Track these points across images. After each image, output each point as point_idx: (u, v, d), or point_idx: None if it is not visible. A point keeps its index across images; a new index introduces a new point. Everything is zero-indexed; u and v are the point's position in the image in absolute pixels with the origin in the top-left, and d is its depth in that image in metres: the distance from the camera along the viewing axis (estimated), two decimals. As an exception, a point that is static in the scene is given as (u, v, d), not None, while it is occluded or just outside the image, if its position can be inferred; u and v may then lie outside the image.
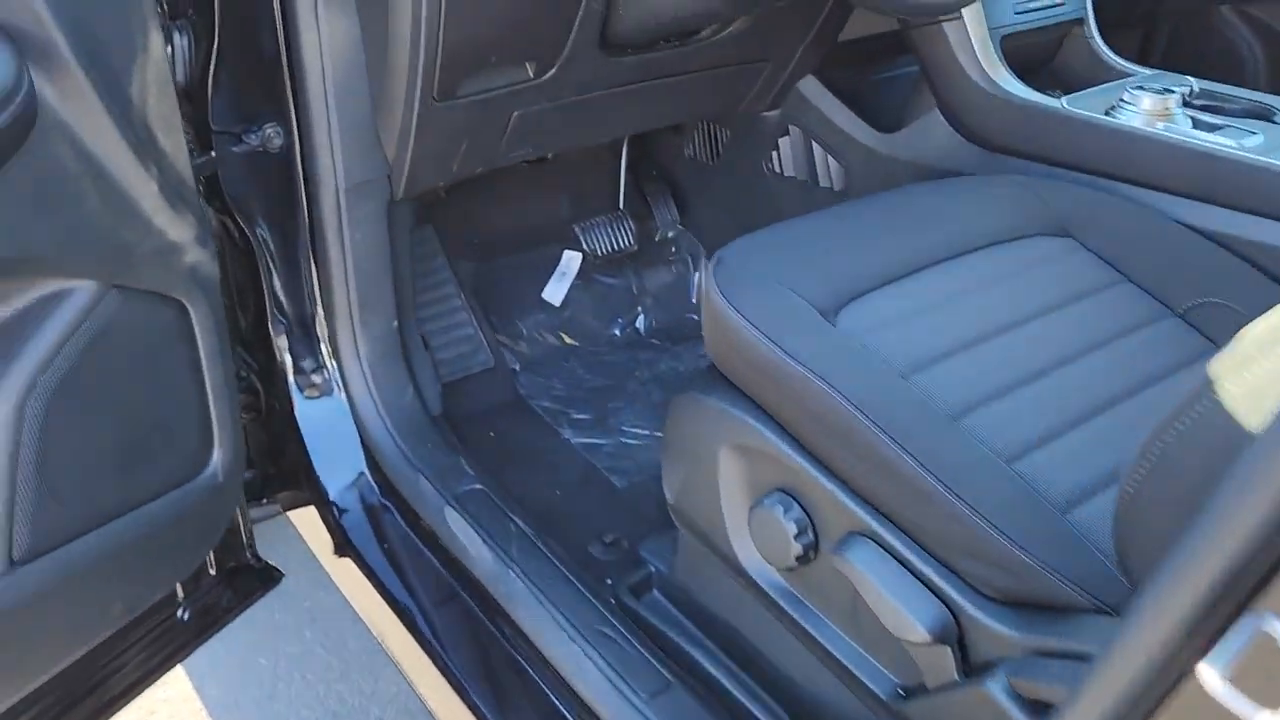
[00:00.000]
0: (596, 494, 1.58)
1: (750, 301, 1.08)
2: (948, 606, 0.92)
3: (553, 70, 1.37)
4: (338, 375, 1.43)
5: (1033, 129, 1.44)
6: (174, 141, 1.03)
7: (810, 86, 1.69)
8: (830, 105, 1.67)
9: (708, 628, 1.26)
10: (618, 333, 1.93)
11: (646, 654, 1.23)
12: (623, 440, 1.69)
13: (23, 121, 0.87)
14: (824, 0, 1.52)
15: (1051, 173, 1.42)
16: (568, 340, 1.89)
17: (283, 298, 1.39)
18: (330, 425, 1.43)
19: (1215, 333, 1.17)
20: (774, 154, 1.79)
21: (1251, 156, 1.27)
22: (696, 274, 2.00)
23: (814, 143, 1.72)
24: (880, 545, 0.97)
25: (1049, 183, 1.35)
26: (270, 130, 1.30)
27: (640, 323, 1.95)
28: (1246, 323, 0.62)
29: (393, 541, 1.41)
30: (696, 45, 1.50)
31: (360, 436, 1.43)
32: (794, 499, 1.05)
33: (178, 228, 1.04)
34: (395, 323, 1.47)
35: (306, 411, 1.42)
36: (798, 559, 1.05)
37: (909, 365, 1.04)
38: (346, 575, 1.49)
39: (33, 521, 0.98)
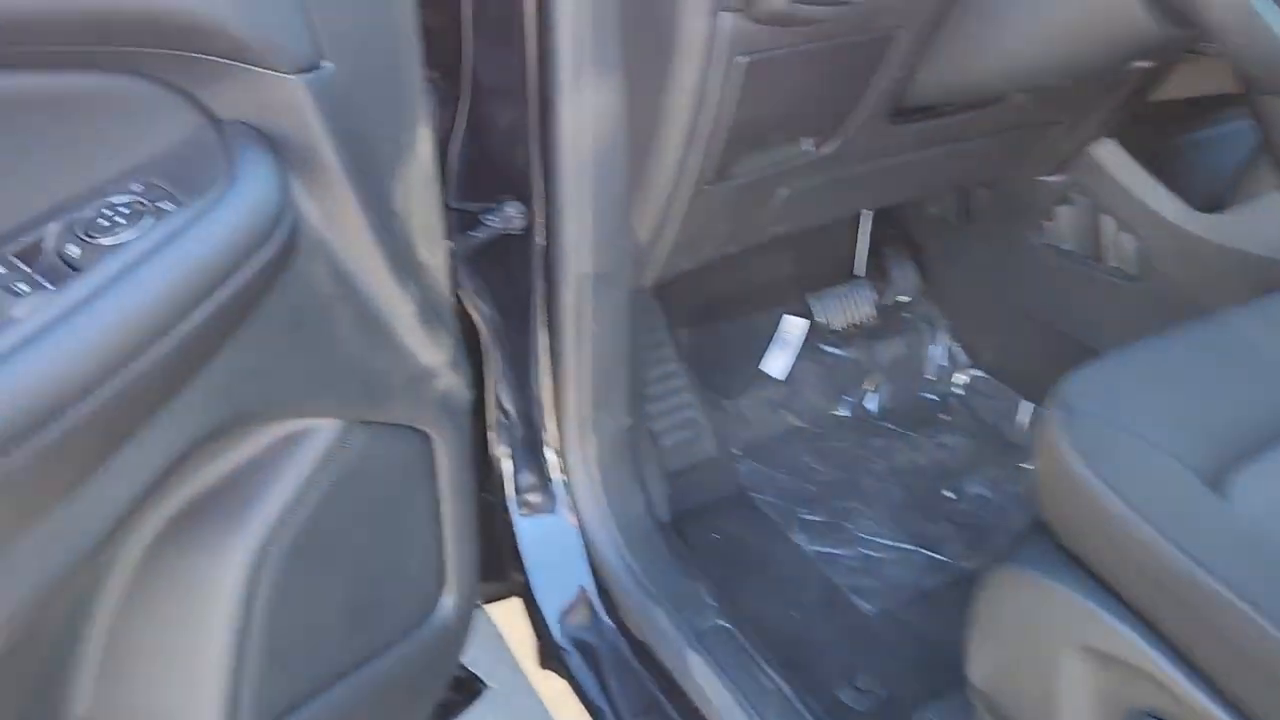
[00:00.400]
0: (842, 621, 1.37)
1: (1117, 467, 0.86)
2: None
3: (833, 143, 1.16)
4: (562, 484, 1.26)
5: None
6: (435, 252, 0.86)
7: (1105, 150, 1.44)
8: (1130, 173, 1.42)
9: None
10: (846, 413, 1.72)
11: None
12: (863, 551, 1.47)
13: (286, 249, 0.71)
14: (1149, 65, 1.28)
15: None
16: (791, 420, 1.69)
17: (508, 401, 1.22)
18: (552, 540, 1.26)
19: None
20: (1046, 223, 1.54)
21: None
22: (933, 347, 1.77)
23: (1103, 215, 1.47)
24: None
25: None
26: (512, 210, 1.13)
27: (870, 401, 1.73)
28: None
29: (614, 669, 1.23)
30: (990, 109, 1.28)
31: (586, 552, 1.26)
32: (1178, 732, 0.83)
33: (432, 351, 0.88)
34: (629, 421, 1.29)
35: (527, 527, 1.25)
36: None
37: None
38: (550, 686, 1.33)
39: (258, 698, 0.83)
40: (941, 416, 1.71)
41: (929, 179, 1.41)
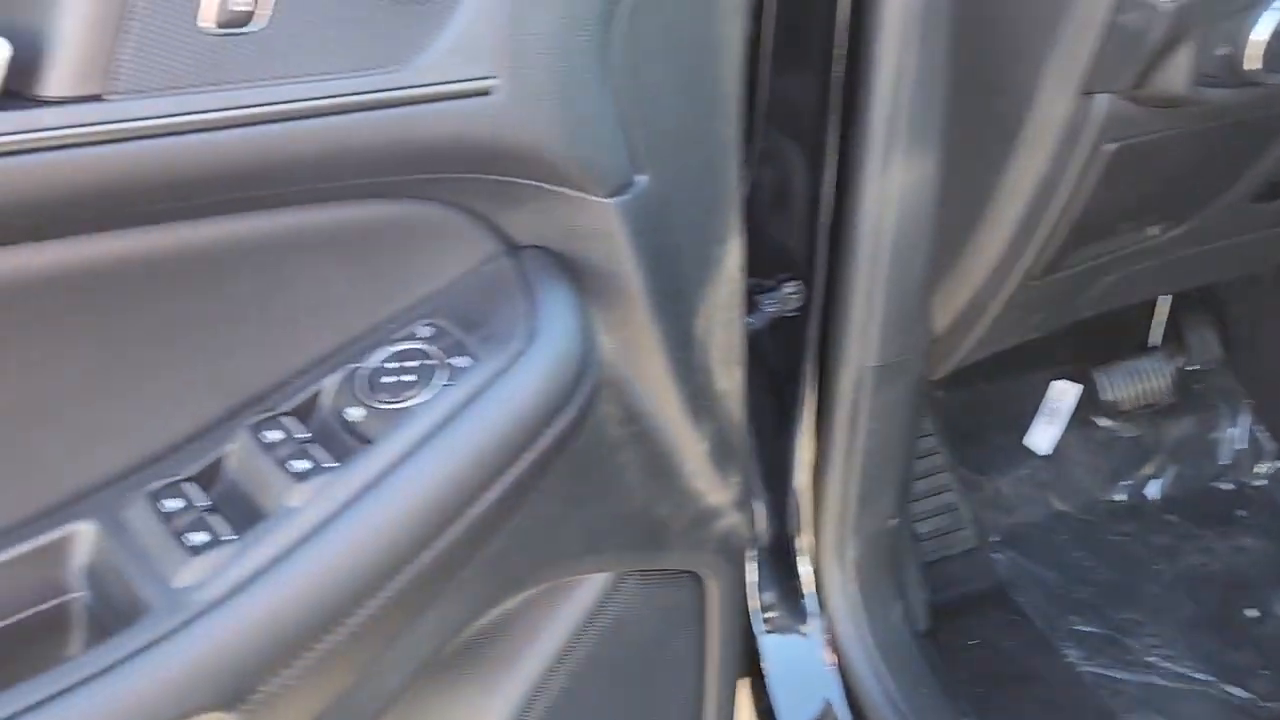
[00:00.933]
0: (1130, 768, 1.18)
1: None
2: None
3: (1181, 228, 0.96)
4: (813, 593, 1.12)
5: None
6: (733, 379, 0.73)
7: None
8: None
9: None
10: (1122, 498, 1.50)
11: None
12: (1149, 680, 1.27)
13: (588, 406, 0.59)
14: None
15: None
16: (1056, 504, 1.49)
17: (758, 499, 1.08)
18: (799, 657, 1.12)
19: None
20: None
21: None
22: (1232, 428, 1.53)
23: None
24: None
25: None
26: (790, 289, 0.99)
27: (1152, 488, 1.51)
28: None
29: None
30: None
31: (839, 672, 1.11)
32: None
33: (719, 491, 0.75)
34: (895, 520, 1.13)
35: (772, 645, 1.11)
36: None
37: None
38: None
39: None
40: (1238, 513, 1.47)
41: (1272, 252, 1.18)
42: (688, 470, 0.72)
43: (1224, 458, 1.52)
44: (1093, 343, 1.51)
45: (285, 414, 0.54)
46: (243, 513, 0.50)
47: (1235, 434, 1.52)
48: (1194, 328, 1.52)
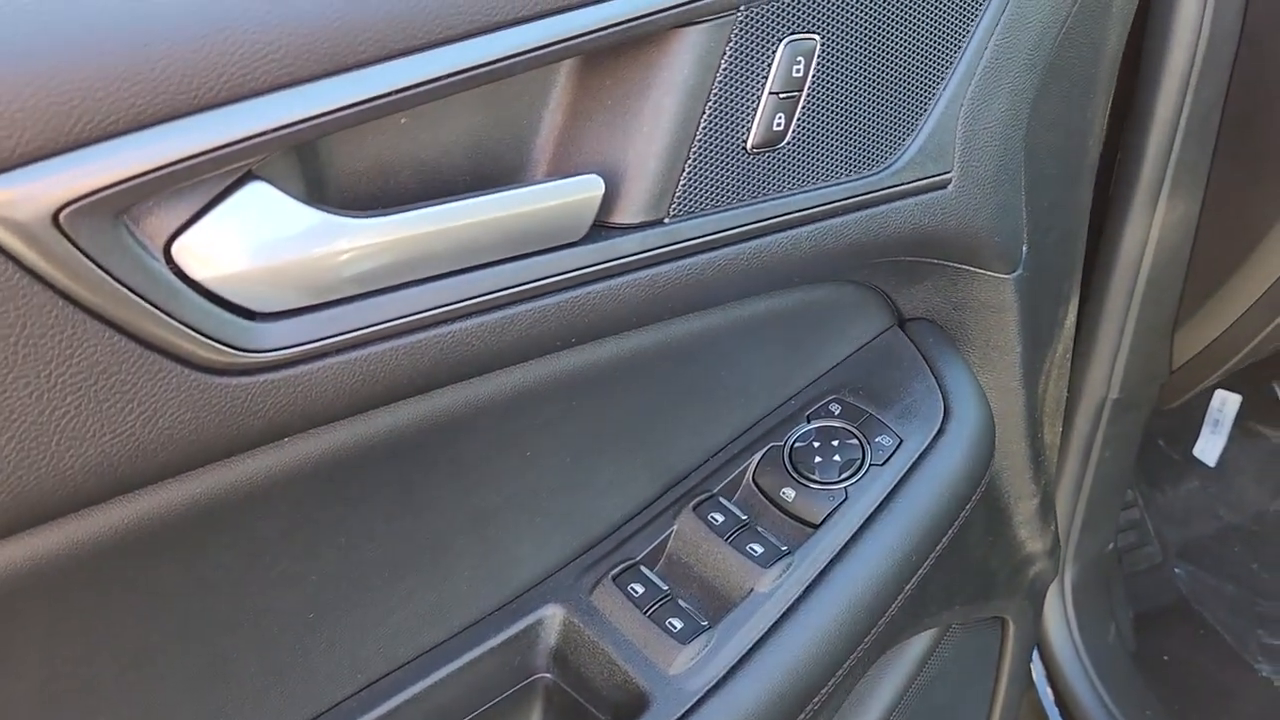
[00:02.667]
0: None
1: None
2: None
3: None
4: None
5: None
6: (1055, 435, 0.74)
7: None
8: None
9: None
10: (1291, 509, 1.50)
11: None
12: (1348, 693, 1.28)
13: (990, 468, 0.60)
14: None
15: None
16: (1226, 516, 1.49)
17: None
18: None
19: None
20: None
21: None
22: (1399, 434, 1.52)
23: None
24: None
25: None
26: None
27: (1319, 498, 1.51)
28: None
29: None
30: None
31: (1058, 693, 1.13)
32: None
33: (1039, 539, 0.76)
34: (1111, 545, 1.14)
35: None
36: None
37: None
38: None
39: None
40: None
41: None
42: (1018, 521, 0.73)
43: (1392, 464, 1.52)
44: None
45: (720, 495, 0.55)
46: (710, 597, 0.52)
47: (1403, 440, 1.52)
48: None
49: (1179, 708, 1.26)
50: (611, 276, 0.44)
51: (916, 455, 0.55)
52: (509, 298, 0.43)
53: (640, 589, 0.52)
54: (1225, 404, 1.55)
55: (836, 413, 0.58)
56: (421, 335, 0.41)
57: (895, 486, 0.54)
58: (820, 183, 0.48)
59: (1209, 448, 1.52)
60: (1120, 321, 0.97)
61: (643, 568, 0.53)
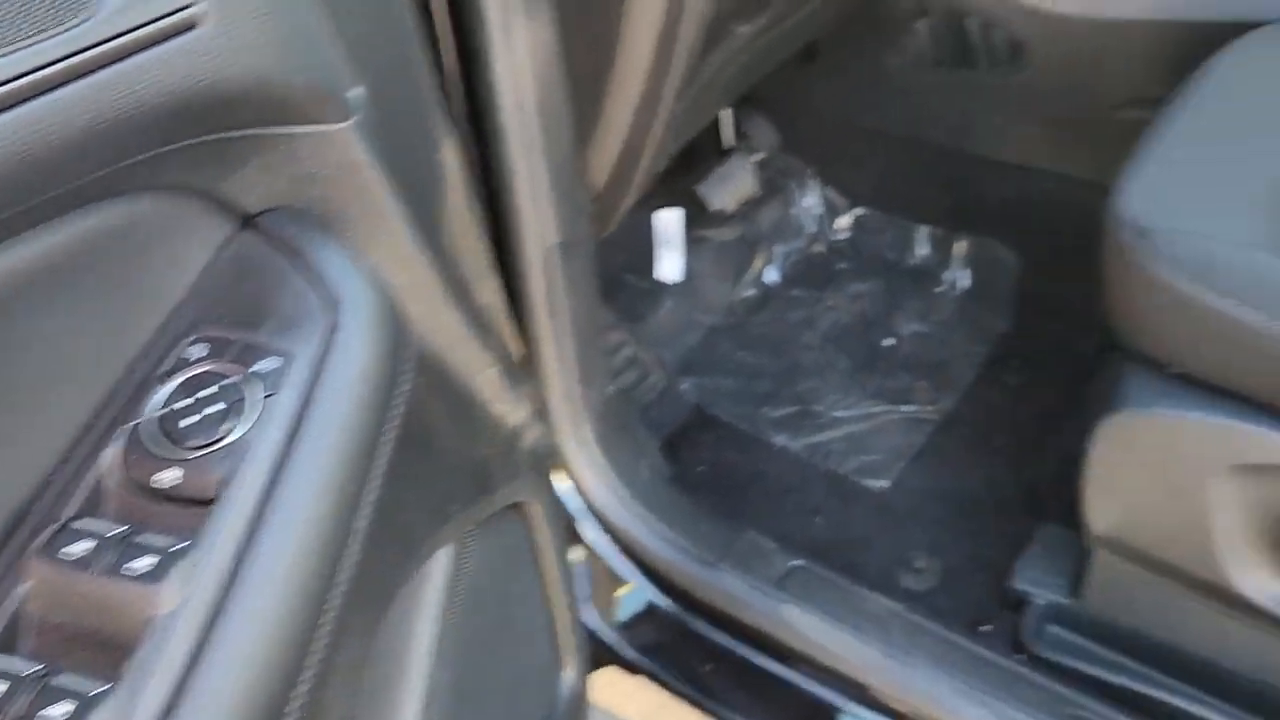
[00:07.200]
0: (863, 509, 1.32)
1: (1223, 275, 0.82)
2: None
3: (763, 18, 1.02)
4: (574, 492, 1.10)
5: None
6: (492, 294, 0.67)
7: (957, -48, 1.38)
8: (988, -32, 1.37)
9: (1148, 656, 1.05)
10: (751, 292, 1.62)
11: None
12: (846, 430, 1.42)
13: (416, 351, 0.51)
14: None
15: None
16: (705, 319, 1.58)
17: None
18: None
19: None
20: (907, 41, 1.48)
21: None
22: (805, 198, 1.70)
23: (967, 17, 1.42)
24: None
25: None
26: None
27: (770, 274, 1.64)
28: None
29: (697, 653, 1.13)
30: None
31: (625, 552, 1.12)
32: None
33: (517, 409, 0.69)
34: (612, 388, 1.14)
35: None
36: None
37: None
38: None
39: None
40: (839, 266, 1.66)
41: (810, 27, 1.30)
42: (487, 398, 0.66)
43: (810, 226, 1.69)
44: (677, 164, 1.58)
45: (77, 518, 0.40)
46: (103, 651, 0.38)
47: (811, 202, 1.70)
48: (750, 122, 1.65)
49: (727, 505, 1.31)
50: None
51: (313, 367, 0.44)
52: None
53: (-2, 688, 0.37)
54: (669, 222, 1.62)
55: (201, 356, 0.45)
56: None
57: (301, 412, 0.43)
58: (-17, 50, 0.34)
59: (669, 267, 1.59)
60: (529, 161, 0.92)
61: (-8, 662, 0.38)
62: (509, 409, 0.68)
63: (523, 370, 0.70)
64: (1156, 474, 0.91)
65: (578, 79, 0.90)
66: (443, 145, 0.61)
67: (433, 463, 0.59)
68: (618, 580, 1.15)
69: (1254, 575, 0.91)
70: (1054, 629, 1.10)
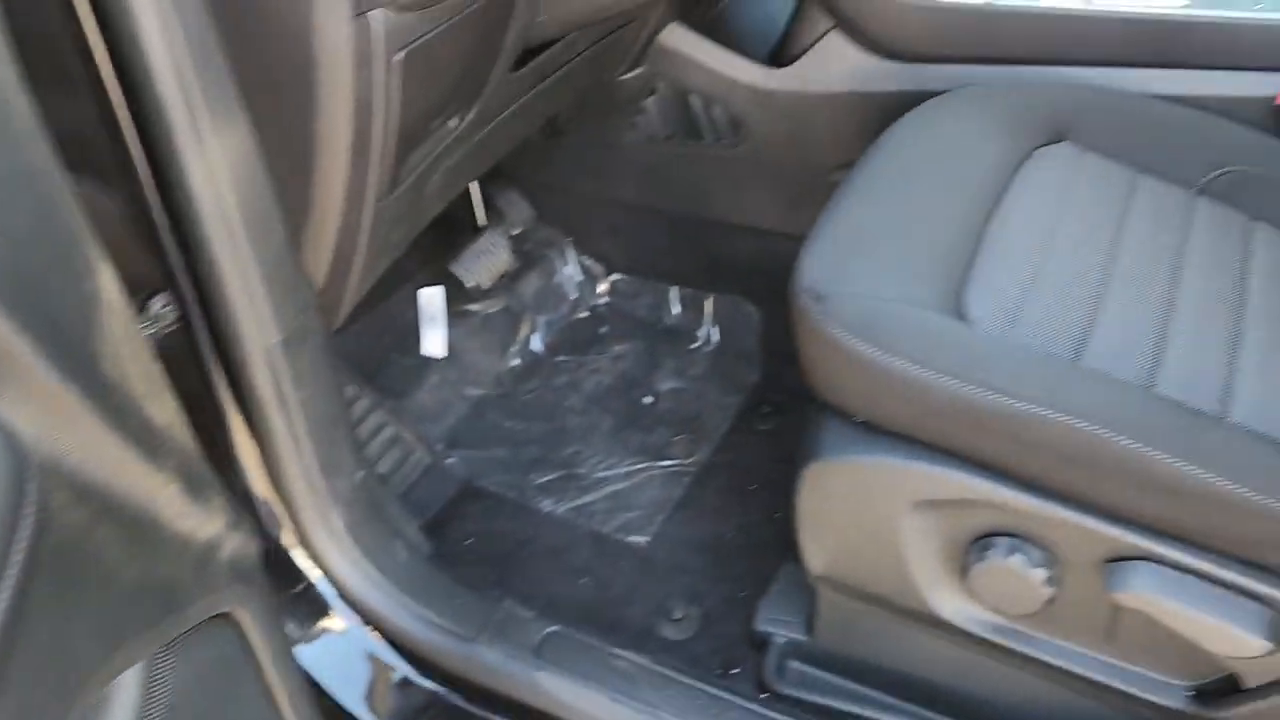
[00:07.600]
0: (625, 564, 1.37)
1: (888, 332, 0.92)
2: (1272, 608, 0.85)
3: (471, 113, 1.07)
4: (324, 581, 1.10)
5: (959, 31, 1.34)
6: (169, 412, 0.68)
7: (675, 34, 1.48)
8: (702, 49, 1.48)
9: (877, 682, 1.13)
10: (517, 362, 1.67)
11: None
12: (608, 490, 1.47)
13: (39, 489, 0.52)
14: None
15: (991, 73, 1.34)
16: (472, 392, 1.61)
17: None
18: (339, 646, 1.11)
19: (1240, 202, 1.15)
20: (639, 118, 1.57)
21: (1200, 13, 1.25)
22: (565, 268, 1.76)
23: (690, 95, 1.52)
24: (1165, 565, 0.88)
25: (1010, 89, 1.27)
26: (161, 305, 0.93)
27: (534, 343, 1.70)
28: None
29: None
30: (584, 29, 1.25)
31: (387, 638, 1.13)
32: (1024, 541, 0.93)
33: (207, 523, 0.71)
34: (361, 473, 1.15)
35: (310, 655, 1.09)
36: (1046, 602, 0.94)
37: (1070, 346, 0.94)
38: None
39: None
40: (601, 330, 1.72)
41: (540, 109, 1.36)
42: (168, 518, 0.66)
43: (572, 293, 1.76)
44: (437, 243, 1.62)
45: None
46: None
47: (571, 271, 1.76)
48: (504, 198, 1.71)
49: (494, 575, 1.34)
50: None
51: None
52: None
53: None
54: (432, 299, 1.66)
55: None
56: None
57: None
58: None
59: (433, 343, 1.62)
60: (241, 268, 0.94)
61: None
62: (197, 523, 0.69)
63: (206, 483, 0.70)
64: (854, 514, 0.99)
65: (282, 179, 0.92)
66: (97, 273, 0.62)
67: (98, 592, 0.59)
68: (386, 667, 1.16)
69: (949, 599, 1.00)
70: (795, 665, 1.17)
